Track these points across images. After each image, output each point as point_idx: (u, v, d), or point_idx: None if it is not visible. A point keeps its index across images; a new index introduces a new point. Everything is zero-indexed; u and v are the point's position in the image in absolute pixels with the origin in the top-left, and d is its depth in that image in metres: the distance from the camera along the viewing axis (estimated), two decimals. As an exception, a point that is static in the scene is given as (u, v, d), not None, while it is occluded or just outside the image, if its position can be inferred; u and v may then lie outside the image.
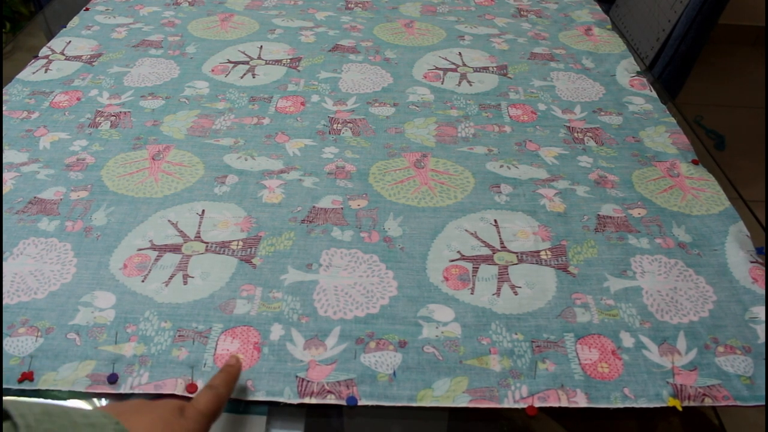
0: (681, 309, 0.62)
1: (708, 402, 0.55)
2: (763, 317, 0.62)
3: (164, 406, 0.46)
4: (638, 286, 0.65)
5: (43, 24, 1.24)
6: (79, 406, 0.41)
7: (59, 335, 0.58)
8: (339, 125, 0.88)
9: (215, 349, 0.58)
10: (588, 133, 0.88)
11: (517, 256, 0.68)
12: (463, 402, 0.54)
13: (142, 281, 0.64)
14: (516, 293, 0.64)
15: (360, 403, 0.54)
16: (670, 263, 0.67)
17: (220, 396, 0.49)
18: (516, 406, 0.54)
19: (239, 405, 0.54)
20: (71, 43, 1.08)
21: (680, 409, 0.54)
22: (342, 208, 0.73)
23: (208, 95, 0.94)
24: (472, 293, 0.64)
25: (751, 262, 0.67)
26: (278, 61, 1.04)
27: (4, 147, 0.82)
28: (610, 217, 0.73)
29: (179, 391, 0.54)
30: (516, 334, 0.60)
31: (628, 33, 1.49)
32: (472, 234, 0.71)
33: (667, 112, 0.93)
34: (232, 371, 0.53)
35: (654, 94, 0.97)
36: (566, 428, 0.55)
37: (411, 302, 0.63)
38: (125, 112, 0.90)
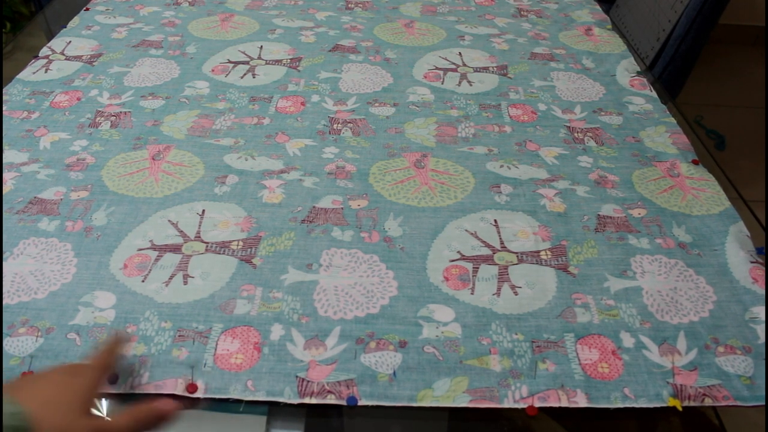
0: (681, 309, 0.62)
1: (708, 402, 0.55)
2: (762, 317, 0.62)
3: (56, 370, 0.48)
4: (638, 286, 0.65)
5: (44, 24, 1.24)
6: None
7: (59, 335, 0.58)
8: (339, 125, 0.88)
9: (215, 349, 0.58)
10: (588, 133, 0.88)
11: (517, 256, 0.68)
12: (463, 402, 0.54)
13: (143, 281, 0.64)
14: (516, 293, 0.64)
15: (360, 403, 0.54)
16: (670, 263, 0.67)
17: (110, 350, 0.51)
18: (516, 406, 0.54)
19: (239, 405, 0.54)
20: (71, 43, 1.08)
21: (680, 409, 0.54)
22: (342, 208, 0.73)
23: (208, 95, 0.94)
24: (472, 293, 0.64)
25: (752, 262, 0.67)
26: (278, 61, 1.04)
27: (4, 147, 0.82)
28: (611, 217, 0.73)
29: (179, 391, 0.54)
30: (516, 334, 0.60)
31: (628, 33, 1.49)
32: (472, 234, 0.71)
33: (668, 112, 0.93)
34: (118, 335, 0.54)
35: (654, 94, 0.97)
36: (566, 428, 0.55)
37: (411, 302, 0.63)
38: (125, 112, 0.90)
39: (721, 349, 0.59)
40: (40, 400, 0.43)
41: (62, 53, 1.05)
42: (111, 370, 0.52)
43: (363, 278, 0.65)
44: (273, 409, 0.54)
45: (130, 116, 0.89)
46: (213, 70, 1.01)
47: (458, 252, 0.68)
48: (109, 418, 0.48)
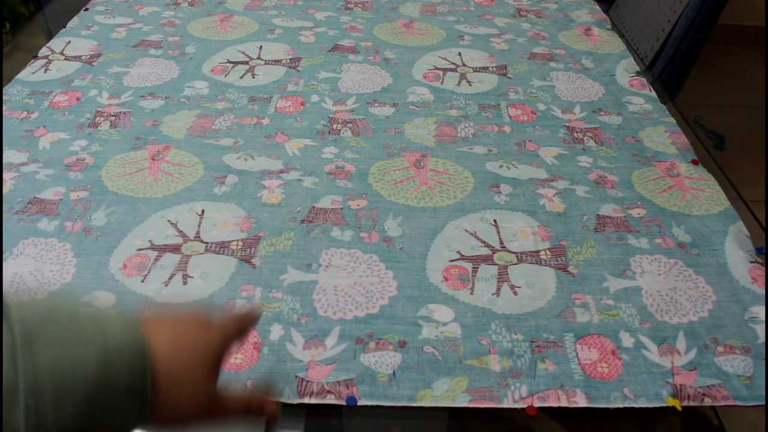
0: (681, 309, 0.62)
1: (708, 402, 0.55)
2: (762, 317, 0.62)
3: (189, 316, 0.43)
4: (638, 286, 0.65)
5: (43, 24, 1.24)
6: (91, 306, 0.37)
7: (59, 335, 0.58)
8: (339, 125, 0.88)
9: (215, 349, 0.57)
10: (588, 133, 0.88)
11: (517, 256, 0.68)
12: (462, 402, 0.54)
13: (142, 281, 0.64)
14: (516, 293, 0.64)
15: (360, 403, 0.54)
16: (669, 263, 0.67)
17: (245, 326, 0.45)
18: (516, 406, 0.54)
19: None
20: (71, 43, 1.08)
21: (680, 409, 0.54)
22: (342, 208, 0.73)
23: (207, 95, 0.94)
24: (471, 293, 0.64)
25: (751, 262, 0.67)
26: (278, 61, 1.04)
27: (4, 147, 0.82)
28: (610, 217, 0.73)
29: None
30: (516, 334, 0.60)
31: (627, 33, 1.49)
32: (471, 234, 0.71)
33: (667, 112, 0.93)
34: (254, 313, 0.47)
35: (654, 94, 0.97)
36: (566, 428, 0.55)
37: (411, 302, 0.63)
38: (125, 112, 0.90)
39: (720, 348, 0.59)
40: (170, 346, 0.38)
41: (62, 53, 1.05)
42: (244, 339, 0.47)
43: (362, 278, 0.65)
44: (272, 409, 0.54)
45: (130, 116, 0.89)
46: (212, 70, 1.01)
47: (458, 252, 0.68)
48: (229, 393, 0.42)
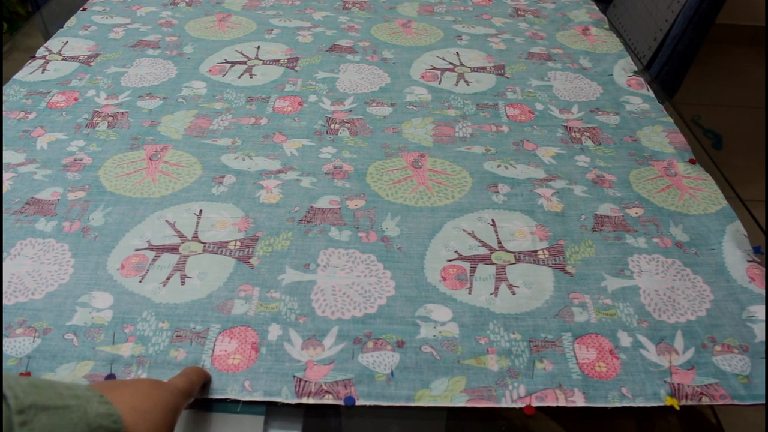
0: (678, 308, 0.62)
1: (705, 401, 0.55)
2: (760, 316, 0.62)
3: (141, 381, 0.49)
4: (636, 286, 0.65)
5: (41, 24, 1.24)
6: (58, 381, 0.42)
7: (57, 336, 0.58)
8: (336, 125, 0.88)
9: (213, 350, 0.57)
10: (585, 133, 0.88)
11: (515, 255, 0.68)
12: (460, 402, 0.54)
13: (140, 281, 0.64)
14: (514, 293, 0.64)
15: (358, 403, 0.54)
16: (667, 262, 0.68)
17: (193, 381, 0.52)
18: (514, 405, 0.54)
19: (237, 405, 0.54)
20: (68, 43, 1.08)
21: (678, 408, 0.54)
22: (339, 208, 0.73)
23: (205, 95, 0.94)
24: (469, 293, 0.64)
25: (748, 261, 0.67)
26: (276, 61, 1.04)
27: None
28: (608, 217, 0.73)
29: (177, 391, 0.54)
30: (514, 333, 0.60)
31: (625, 32, 1.49)
32: (469, 234, 0.71)
33: (665, 111, 0.93)
34: (202, 369, 0.55)
35: (651, 93, 0.97)
36: (564, 428, 0.55)
37: (409, 302, 0.63)
38: (122, 113, 0.90)
39: (718, 348, 0.59)
40: (129, 406, 0.43)
41: (59, 53, 1.05)
42: (192, 398, 0.52)
43: (360, 278, 0.65)
44: (270, 410, 0.54)
45: (128, 116, 0.89)
46: (210, 71, 1.01)
47: (456, 252, 0.68)
48: None
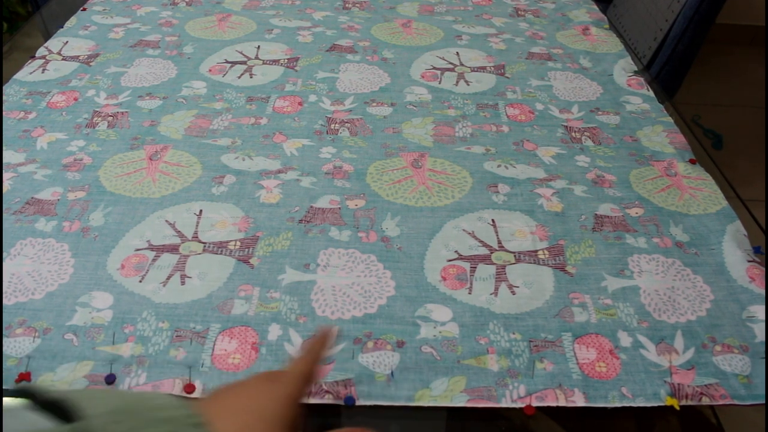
0: (678, 308, 0.62)
1: (706, 401, 0.55)
2: (760, 316, 0.62)
3: (250, 378, 0.42)
4: (636, 286, 0.65)
5: (41, 24, 1.24)
6: (145, 395, 0.36)
7: (57, 336, 0.58)
8: (336, 125, 0.88)
9: (213, 350, 0.57)
10: (585, 133, 0.88)
11: (515, 255, 0.68)
12: (460, 402, 0.54)
13: (140, 281, 0.64)
14: (514, 293, 0.64)
15: (358, 403, 0.54)
16: (667, 262, 0.67)
17: (316, 358, 0.45)
18: (514, 405, 0.54)
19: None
20: (68, 43, 1.08)
21: (678, 408, 0.54)
22: (339, 208, 0.73)
23: (205, 95, 0.94)
24: (469, 293, 0.64)
25: (748, 261, 0.67)
26: (276, 61, 1.04)
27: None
28: (608, 217, 0.73)
29: (177, 391, 0.54)
30: (514, 333, 0.60)
31: (625, 32, 1.49)
32: (469, 234, 0.71)
33: (665, 111, 0.93)
34: (325, 337, 0.47)
35: (651, 93, 0.97)
36: (564, 428, 0.55)
37: (409, 302, 0.63)
38: (122, 113, 0.90)
39: (718, 348, 0.59)
40: (233, 411, 0.38)
41: (59, 53, 1.05)
42: (316, 378, 0.46)
43: (360, 278, 0.65)
44: (271, 409, 0.54)
45: (128, 116, 0.89)
46: (210, 70, 1.01)
47: (456, 252, 0.68)
48: None
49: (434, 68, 1.03)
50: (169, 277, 0.64)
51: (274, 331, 0.59)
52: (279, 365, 0.56)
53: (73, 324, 0.59)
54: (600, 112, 0.92)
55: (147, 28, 1.14)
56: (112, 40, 1.09)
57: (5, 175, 0.77)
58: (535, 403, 0.54)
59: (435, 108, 0.92)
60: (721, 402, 0.55)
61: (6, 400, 0.31)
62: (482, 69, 1.03)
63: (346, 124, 0.88)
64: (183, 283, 0.64)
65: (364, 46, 1.09)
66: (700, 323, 0.61)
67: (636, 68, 1.04)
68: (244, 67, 1.02)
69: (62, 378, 0.55)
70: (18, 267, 0.65)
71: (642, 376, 0.56)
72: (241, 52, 1.06)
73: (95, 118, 0.88)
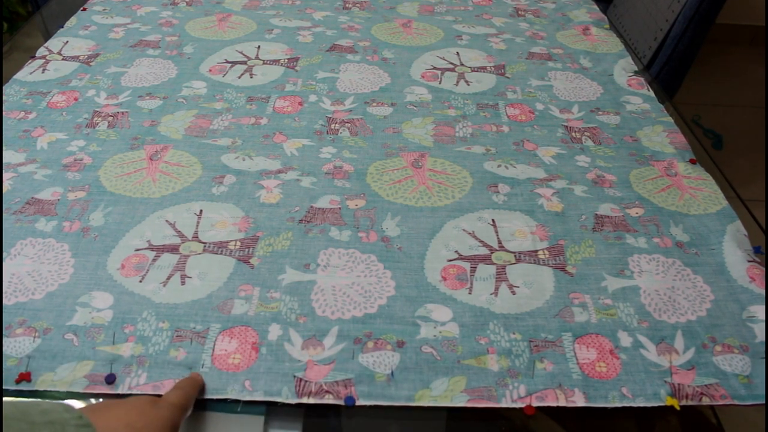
0: (679, 308, 0.62)
1: (706, 401, 0.55)
2: (760, 316, 0.62)
3: (136, 399, 0.47)
4: (636, 286, 0.65)
5: (41, 24, 1.24)
6: (39, 402, 0.40)
7: (57, 336, 0.58)
8: (337, 125, 0.88)
9: (213, 350, 0.57)
10: (586, 133, 0.88)
11: (515, 255, 0.68)
12: (461, 402, 0.54)
13: (140, 281, 0.64)
14: (514, 293, 0.64)
15: (358, 403, 0.54)
16: (667, 262, 0.67)
17: (188, 393, 0.51)
18: (514, 405, 0.54)
19: (237, 405, 0.54)
20: (68, 43, 1.08)
21: (678, 408, 0.54)
22: (340, 208, 0.73)
23: (205, 95, 0.94)
24: (470, 293, 0.64)
25: (749, 261, 0.67)
26: (276, 61, 1.04)
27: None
28: (608, 217, 0.73)
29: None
30: (514, 333, 0.60)
31: (625, 32, 1.49)
32: (470, 234, 0.71)
33: (665, 111, 0.93)
34: (196, 377, 0.55)
35: (651, 93, 0.97)
36: (564, 428, 0.55)
37: (409, 302, 0.63)
38: (123, 113, 0.90)
39: (718, 348, 0.59)
40: (124, 423, 0.43)
41: (59, 53, 1.05)
42: (189, 412, 0.51)
43: (361, 278, 0.65)
44: (271, 409, 0.54)
45: (128, 116, 0.89)
46: (210, 70, 1.01)
47: (456, 252, 0.68)
48: None
49: (434, 68, 1.03)
50: (169, 277, 0.64)
51: (274, 331, 0.59)
52: (279, 365, 0.56)
53: (73, 324, 0.59)
54: (600, 112, 0.92)
55: (147, 28, 1.14)
56: (112, 40, 1.09)
57: (5, 175, 0.77)
58: (535, 403, 0.54)
59: (435, 108, 0.92)
60: (721, 402, 0.55)
61: None
62: (482, 69, 1.03)
63: (347, 124, 0.88)
64: (183, 283, 0.64)
65: (364, 46, 1.09)
66: (700, 323, 0.61)
67: (636, 68, 1.04)
68: (245, 67, 1.02)
69: (62, 378, 0.55)
70: (18, 267, 0.65)
71: (642, 376, 0.56)
72: (241, 52, 1.06)
73: (95, 118, 0.88)
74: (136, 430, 0.43)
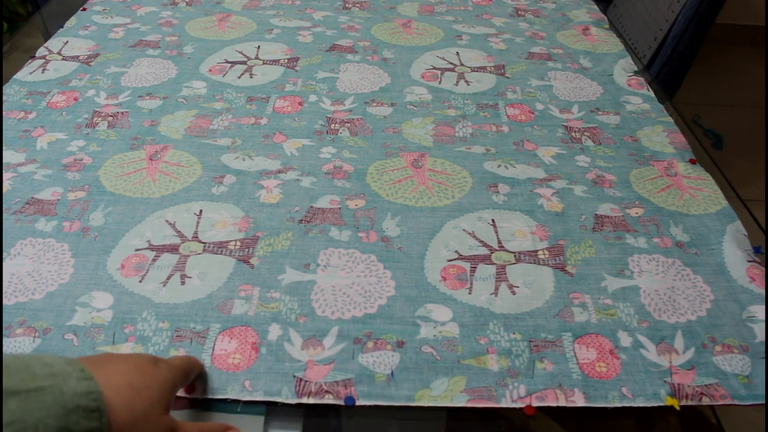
0: (678, 308, 0.62)
1: (706, 401, 0.55)
2: (760, 316, 0.62)
3: (137, 356, 0.46)
4: (636, 286, 0.65)
5: (41, 24, 1.24)
6: (41, 355, 0.39)
7: (57, 336, 0.58)
8: (336, 125, 0.88)
9: (213, 350, 0.57)
10: (585, 133, 0.88)
11: (515, 255, 0.68)
12: (461, 402, 0.54)
13: (140, 281, 0.64)
14: (514, 293, 0.64)
15: (358, 403, 0.54)
16: (667, 262, 0.67)
17: (190, 360, 0.52)
18: (514, 405, 0.54)
19: (237, 405, 0.54)
20: (68, 43, 1.08)
21: (678, 408, 0.54)
22: (340, 208, 0.73)
23: (205, 95, 0.94)
24: (470, 293, 0.64)
25: (749, 261, 0.67)
26: (276, 61, 1.04)
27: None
28: (608, 217, 0.73)
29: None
30: (514, 333, 0.60)
31: (625, 32, 1.49)
32: (469, 234, 0.71)
33: (665, 111, 0.93)
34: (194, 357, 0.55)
35: (651, 93, 0.97)
36: (564, 428, 0.55)
37: (409, 302, 0.63)
38: (123, 113, 0.90)
39: (718, 348, 0.59)
40: (125, 381, 0.42)
41: (59, 53, 1.05)
42: (189, 379, 0.51)
43: (361, 278, 0.65)
44: (271, 409, 0.54)
45: (128, 116, 0.89)
46: (210, 70, 1.01)
47: (456, 252, 0.68)
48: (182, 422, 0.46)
49: (434, 68, 1.03)
50: (169, 277, 0.64)
51: (274, 331, 0.59)
52: (279, 365, 0.56)
53: (73, 324, 0.59)
54: (600, 112, 0.92)
55: (147, 28, 1.14)
56: (112, 40, 1.09)
57: (5, 175, 0.77)
58: (535, 403, 0.54)
59: (435, 108, 0.92)
60: (721, 402, 0.55)
61: None
62: (482, 69, 1.03)
63: (346, 124, 0.88)
64: (183, 283, 0.64)
65: (364, 46, 1.09)
66: (700, 323, 0.61)
67: (636, 68, 1.04)
68: (244, 67, 1.02)
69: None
70: (18, 267, 0.65)
71: (642, 376, 0.56)
72: (241, 52, 1.06)
73: (95, 118, 0.88)
74: (137, 391, 0.42)
